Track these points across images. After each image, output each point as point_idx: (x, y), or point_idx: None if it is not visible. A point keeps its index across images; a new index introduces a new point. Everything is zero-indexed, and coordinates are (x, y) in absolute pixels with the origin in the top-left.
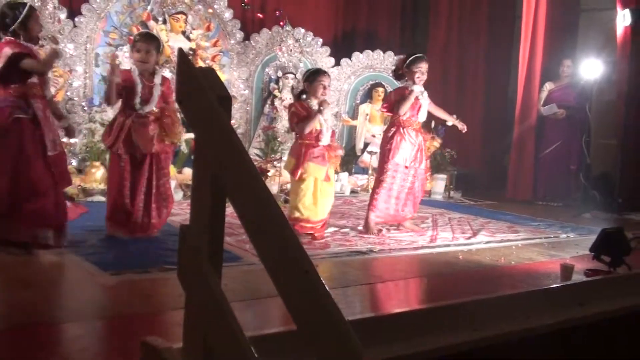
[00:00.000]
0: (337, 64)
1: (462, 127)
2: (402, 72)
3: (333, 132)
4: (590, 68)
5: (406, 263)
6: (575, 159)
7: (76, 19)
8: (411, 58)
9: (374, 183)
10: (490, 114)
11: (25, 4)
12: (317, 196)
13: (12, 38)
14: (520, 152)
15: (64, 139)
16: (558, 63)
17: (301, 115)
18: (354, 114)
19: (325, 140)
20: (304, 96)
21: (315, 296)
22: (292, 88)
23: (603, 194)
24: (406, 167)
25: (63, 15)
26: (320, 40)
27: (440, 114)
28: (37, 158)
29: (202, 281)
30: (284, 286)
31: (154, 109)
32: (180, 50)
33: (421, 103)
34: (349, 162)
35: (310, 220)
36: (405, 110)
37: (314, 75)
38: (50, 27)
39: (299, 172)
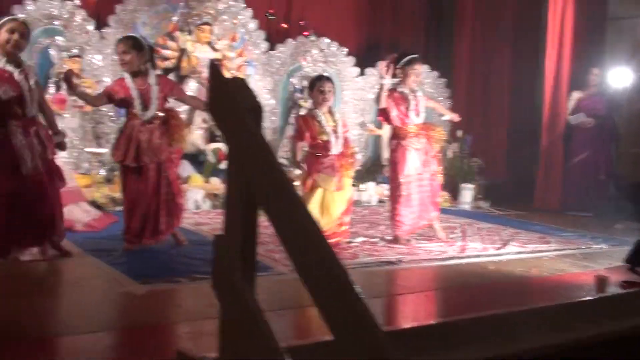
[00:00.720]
0: (362, 73)
1: (453, 117)
2: (394, 72)
3: (347, 139)
4: (619, 76)
5: (436, 273)
6: (605, 168)
7: (103, 30)
8: (407, 59)
9: (390, 199)
10: (517, 123)
11: (14, 19)
12: (326, 207)
13: None
14: (549, 161)
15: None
16: (585, 72)
17: (300, 131)
18: (379, 123)
19: (335, 149)
20: (309, 105)
21: (351, 306)
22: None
23: (635, 203)
24: (419, 174)
25: (91, 27)
26: (345, 50)
27: (437, 107)
28: (7, 176)
29: (236, 291)
30: (320, 296)
31: (158, 113)
32: (212, 61)
33: (417, 104)
34: (375, 171)
35: None
36: (383, 102)
37: (313, 83)
38: (78, 38)
39: (308, 183)
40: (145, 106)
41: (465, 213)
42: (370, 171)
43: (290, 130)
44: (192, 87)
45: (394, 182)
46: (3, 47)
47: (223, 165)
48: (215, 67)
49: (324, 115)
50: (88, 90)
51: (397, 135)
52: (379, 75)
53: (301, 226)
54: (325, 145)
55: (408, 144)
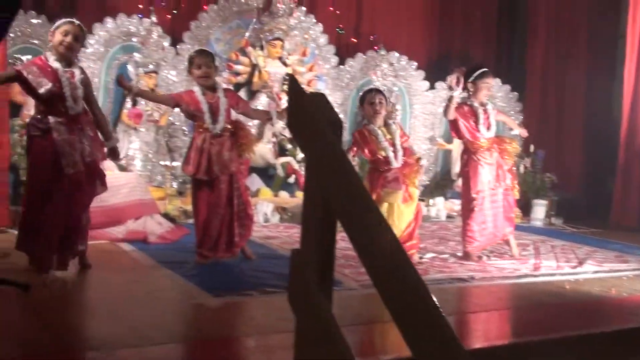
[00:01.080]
0: (432, 87)
1: (522, 132)
2: (464, 85)
3: (407, 150)
4: None
5: (510, 292)
6: None
7: (178, 47)
8: (478, 72)
9: (462, 215)
10: (593, 136)
11: (70, 21)
12: (394, 221)
13: (41, 57)
14: (626, 176)
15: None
16: None
17: (356, 145)
18: (449, 138)
19: (396, 162)
20: (365, 121)
21: (433, 322)
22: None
23: None
24: (492, 189)
25: (166, 43)
26: (415, 63)
27: (507, 120)
28: (46, 171)
29: (313, 306)
30: (399, 311)
31: (227, 125)
32: (292, 76)
33: (488, 118)
34: (445, 186)
35: None
36: (452, 114)
37: (363, 97)
38: (154, 55)
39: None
40: (215, 119)
41: (538, 230)
42: (439, 186)
43: None
44: (262, 102)
45: (465, 197)
46: (56, 48)
47: (292, 179)
48: (294, 81)
49: (380, 130)
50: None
51: (468, 150)
52: (448, 87)
53: (380, 243)
54: (386, 160)
55: (480, 158)
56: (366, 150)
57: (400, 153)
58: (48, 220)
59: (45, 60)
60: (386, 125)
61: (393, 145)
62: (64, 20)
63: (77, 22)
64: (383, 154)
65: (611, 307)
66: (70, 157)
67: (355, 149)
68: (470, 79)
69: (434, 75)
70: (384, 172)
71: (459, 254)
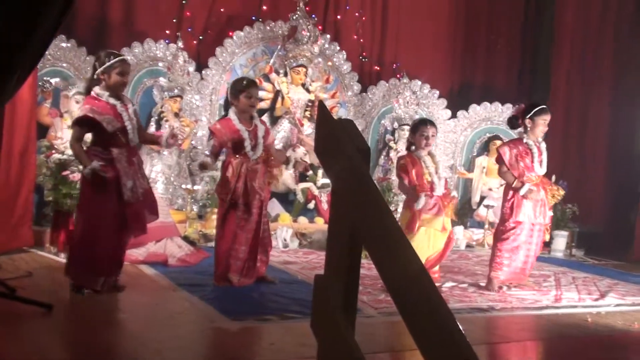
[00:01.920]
0: (454, 116)
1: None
2: (521, 122)
3: (446, 180)
4: None
5: (531, 323)
6: None
7: (203, 72)
8: (536, 109)
9: (494, 241)
10: (616, 168)
11: (116, 54)
12: (429, 247)
13: (92, 94)
14: None
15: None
16: None
17: (407, 170)
18: (470, 167)
19: (439, 190)
20: (413, 147)
21: (460, 355)
22: (408, 140)
23: None
24: (532, 224)
25: (191, 68)
26: (437, 92)
27: None
28: (106, 202)
29: (337, 332)
30: (425, 340)
31: (263, 152)
32: (321, 102)
33: (541, 156)
34: (465, 215)
35: None
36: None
37: (416, 127)
38: (180, 79)
39: (416, 225)
40: (254, 146)
41: (558, 261)
42: (459, 215)
43: (379, 172)
44: (285, 128)
45: (502, 224)
46: (112, 87)
47: (311, 204)
48: (323, 107)
49: (426, 157)
50: (187, 129)
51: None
52: (507, 124)
53: (407, 273)
54: (431, 186)
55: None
56: (413, 173)
57: (442, 182)
58: (103, 245)
59: (100, 99)
60: (430, 154)
61: (437, 173)
62: (117, 59)
63: (127, 58)
64: (429, 178)
65: (634, 341)
66: (131, 187)
67: (403, 175)
68: (528, 116)
69: (455, 104)
70: (427, 198)
71: (482, 283)
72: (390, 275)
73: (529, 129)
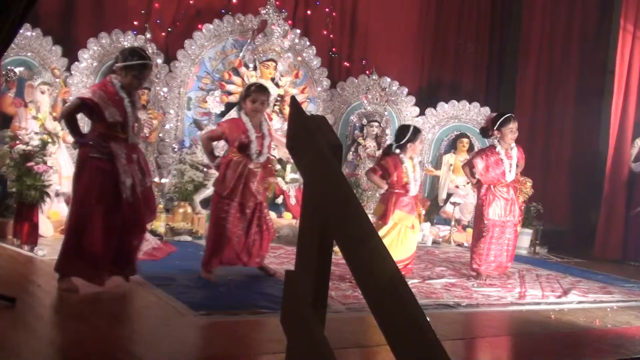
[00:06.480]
0: (422, 113)
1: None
2: (492, 132)
3: (420, 184)
4: None
5: (496, 319)
6: None
7: (171, 64)
8: (502, 119)
9: (473, 239)
10: (578, 168)
11: (141, 55)
12: (399, 241)
13: (107, 80)
14: (610, 209)
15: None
16: None
17: (385, 169)
18: (437, 164)
19: (413, 191)
20: (397, 150)
21: (428, 349)
22: (376, 136)
23: None
24: (503, 222)
25: (160, 60)
26: (406, 89)
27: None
28: (105, 199)
29: (306, 327)
30: (394, 334)
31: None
32: (293, 98)
33: (511, 163)
34: (432, 212)
35: None
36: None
37: (401, 132)
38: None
39: (389, 218)
40: (260, 151)
41: (522, 258)
42: (426, 212)
43: (347, 167)
44: None
45: (479, 222)
46: (125, 84)
47: (279, 199)
48: (296, 103)
49: (408, 160)
50: (155, 122)
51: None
52: (480, 132)
53: (379, 263)
54: (405, 186)
55: (496, 191)
56: (394, 175)
57: (418, 183)
58: (97, 242)
59: (113, 88)
60: (411, 157)
61: (414, 175)
62: (138, 62)
63: (150, 64)
64: (406, 180)
65: (595, 338)
66: (129, 185)
67: (380, 172)
68: (495, 127)
69: (424, 101)
70: (400, 196)
71: (453, 280)
72: (361, 270)
73: (498, 138)
